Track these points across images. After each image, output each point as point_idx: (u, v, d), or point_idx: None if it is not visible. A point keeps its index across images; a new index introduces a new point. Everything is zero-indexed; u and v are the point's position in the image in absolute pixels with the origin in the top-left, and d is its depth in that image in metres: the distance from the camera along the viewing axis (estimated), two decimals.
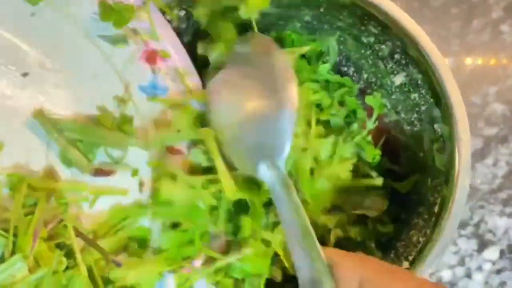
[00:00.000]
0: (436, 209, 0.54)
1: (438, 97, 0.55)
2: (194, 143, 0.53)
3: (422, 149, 0.59)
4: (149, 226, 0.51)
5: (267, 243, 0.53)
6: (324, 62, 0.63)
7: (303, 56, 0.61)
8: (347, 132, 0.60)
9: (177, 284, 0.50)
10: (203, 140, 0.52)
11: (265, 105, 0.49)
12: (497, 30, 0.79)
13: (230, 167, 0.51)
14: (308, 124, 0.58)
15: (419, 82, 0.57)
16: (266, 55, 0.50)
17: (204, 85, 0.54)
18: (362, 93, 0.63)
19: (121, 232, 0.50)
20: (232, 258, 0.51)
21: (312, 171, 0.57)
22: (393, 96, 0.60)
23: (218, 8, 0.54)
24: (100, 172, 0.51)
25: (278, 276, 0.55)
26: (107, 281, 0.48)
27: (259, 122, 0.49)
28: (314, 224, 0.56)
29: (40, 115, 0.50)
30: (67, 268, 0.47)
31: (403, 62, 0.57)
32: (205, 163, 0.53)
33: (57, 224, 0.48)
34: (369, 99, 0.62)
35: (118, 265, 0.48)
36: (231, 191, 0.49)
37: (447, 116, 0.54)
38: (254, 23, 0.53)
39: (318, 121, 0.59)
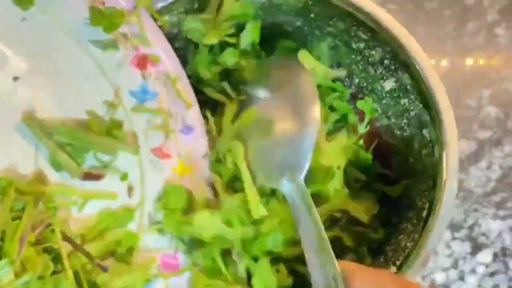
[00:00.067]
0: (424, 214, 0.55)
1: (427, 102, 0.55)
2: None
3: (412, 154, 0.59)
4: (136, 230, 0.51)
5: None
6: None
7: None
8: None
9: None
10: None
11: (289, 125, 0.53)
12: (491, 33, 0.79)
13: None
14: None
15: (408, 87, 0.57)
16: (292, 76, 0.55)
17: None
18: (354, 97, 0.63)
19: (109, 237, 0.50)
20: None
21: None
22: (384, 101, 0.61)
23: None
24: (89, 176, 0.52)
25: None
26: (94, 285, 0.48)
27: (284, 141, 0.53)
28: None
29: (29, 119, 0.50)
30: (54, 272, 0.47)
31: (393, 67, 0.57)
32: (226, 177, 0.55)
33: (44, 229, 0.48)
34: (360, 104, 0.63)
35: (105, 269, 0.48)
36: (257, 210, 0.52)
37: (436, 122, 0.55)
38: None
39: None
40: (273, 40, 0.62)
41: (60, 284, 0.47)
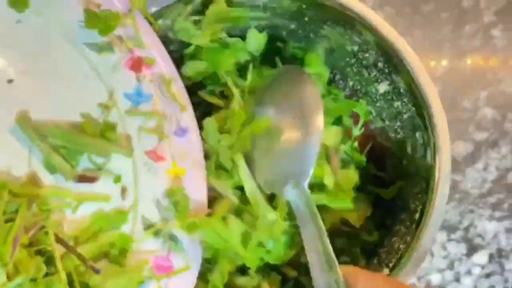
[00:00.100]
0: (416, 216, 0.55)
1: (419, 105, 0.55)
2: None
3: (405, 156, 0.59)
4: (129, 233, 0.52)
5: None
6: None
7: None
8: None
9: None
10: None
11: (294, 134, 0.55)
12: (488, 35, 0.79)
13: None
14: None
15: (401, 90, 0.57)
16: (297, 86, 0.56)
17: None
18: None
19: (102, 239, 0.51)
20: None
21: None
22: (378, 104, 0.61)
23: None
24: (83, 178, 0.52)
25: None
26: (86, 287, 0.49)
27: (289, 149, 0.55)
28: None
29: (23, 121, 0.51)
30: (47, 274, 0.47)
31: (386, 70, 0.58)
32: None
33: (38, 231, 0.48)
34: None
35: (97, 271, 0.48)
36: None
37: (428, 125, 0.55)
38: None
39: None
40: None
41: (53, 286, 0.47)
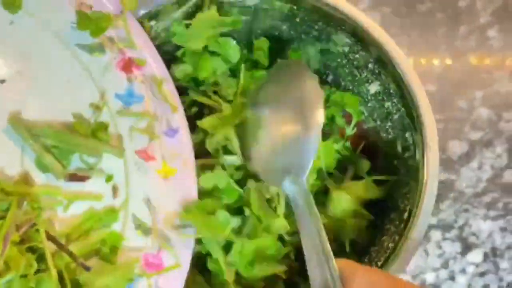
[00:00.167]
0: (405, 216, 0.55)
1: (408, 106, 0.56)
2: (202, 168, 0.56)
3: (396, 156, 0.60)
4: (120, 231, 0.52)
5: None
6: None
7: None
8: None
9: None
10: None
11: (294, 128, 0.55)
12: (484, 35, 0.80)
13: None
14: None
15: (391, 91, 0.58)
16: (298, 81, 0.56)
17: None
18: None
19: (93, 236, 0.51)
20: None
21: None
22: (369, 104, 0.62)
23: None
24: (74, 177, 0.53)
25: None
26: (77, 284, 0.49)
27: (288, 143, 0.55)
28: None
29: (16, 121, 0.51)
30: (38, 271, 0.48)
31: (376, 71, 0.58)
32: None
33: (29, 228, 0.49)
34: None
35: (87, 269, 0.49)
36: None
37: (416, 125, 0.55)
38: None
39: None
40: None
41: (44, 282, 0.48)
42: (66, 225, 0.52)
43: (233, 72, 0.60)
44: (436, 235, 0.75)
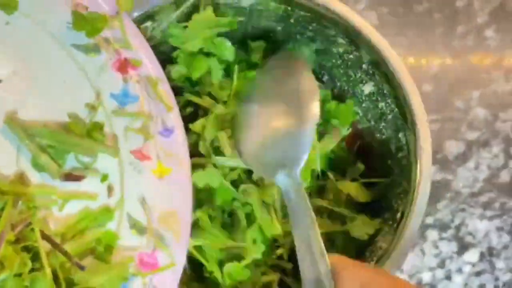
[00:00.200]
0: (398, 216, 0.56)
1: (402, 106, 0.56)
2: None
3: (390, 156, 0.60)
4: (115, 230, 0.53)
5: None
6: None
7: None
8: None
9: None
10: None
11: (289, 121, 0.54)
12: (481, 35, 0.80)
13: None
14: None
15: (385, 91, 0.58)
16: (294, 73, 0.56)
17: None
18: (336, 100, 0.64)
19: (88, 236, 0.52)
20: None
21: None
22: (364, 104, 0.62)
23: None
24: (70, 177, 0.53)
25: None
26: (72, 283, 0.50)
27: (283, 135, 0.54)
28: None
29: (12, 121, 0.52)
30: (33, 270, 0.49)
31: (370, 72, 0.59)
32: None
33: (24, 228, 0.49)
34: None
35: (82, 268, 0.50)
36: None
37: (410, 126, 0.56)
38: None
39: None
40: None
41: (38, 281, 0.48)
42: (61, 224, 0.52)
43: (228, 73, 0.60)
44: (432, 234, 0.76)
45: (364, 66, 0.59)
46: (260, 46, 0.61)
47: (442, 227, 0.75)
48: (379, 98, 0.59)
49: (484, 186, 0.76)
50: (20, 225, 0.49)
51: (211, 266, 0.57)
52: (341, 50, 0.60)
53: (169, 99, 0.56)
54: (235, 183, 0.58)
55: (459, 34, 0.80)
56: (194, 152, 0.57)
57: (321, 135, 0.63)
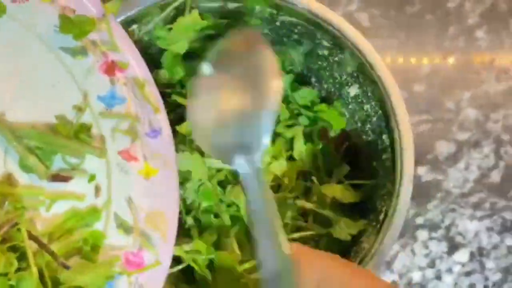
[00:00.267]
0: (381, 217, 0.56)
1: (385, 108, 0.57)
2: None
3: (375, 158, 0.61)
4: (102, 230, 0.54)
5: None
6: (288, 73, 0.65)
7: None
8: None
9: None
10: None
11: (247, 101, 0.49)
12: (472, 36, 0.80)
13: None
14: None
15: (369, 94, 0.59)
16: (252, 50, 0.51)
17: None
18: (324, 102, 0.65)
19: (75, 235, 0.53)
20: None
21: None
22: (350, 106, 0.63)
23: None
24: (57, 177, 0.54)
25: None
26: (57, 283, 0.51)
27: (240, 117, 0.49)
28: None
29: (0, 123, 0.53)
30: (19, 269, 0.50)
31: (355, 74, 0.59)
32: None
33: (11, 228, 0.50)
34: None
35: (67, 267, 0.51)
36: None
37: (393, 127, 0.56)
38: None
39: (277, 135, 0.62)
40: None
41: (24, 281, 0.49)
42: (48, 224, 0.53)
43: None
44: (422, 234, 0.76)
45: (348, 68, 0.60)
46: None
47: (433, 227, 0.76)
48: (364, 100, 0.60)
49: (474, 186, 0.77)
50: (6, 225, 0.50)
51: (201, 270, 0.58)
52: (326, 52, 0.61)
53: (156, 101, 0.56)
54: (222, 184, 0.59)
55: (451, 35, 0.80)
56: None
57: (308, 136, 0.63)
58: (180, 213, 0.57)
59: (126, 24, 0.57)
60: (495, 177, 0.77)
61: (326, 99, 0.65)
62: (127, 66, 0.55)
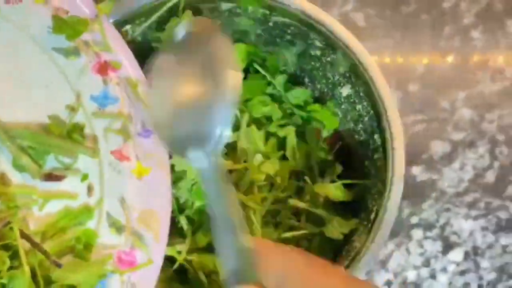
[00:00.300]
0: (372, 216, 0.57)
1: (376, 109, 0.57)
2: None
3: (367, 158, 0.61)
4: (95, 229, 0.54)
5: None
6: (281, 73, 0.65)
7: (256, 71, 0.64)
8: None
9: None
10: None
11: (201, 90, 0.47)
12: (468, 36, 0.81)
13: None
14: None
15: (361, 94, 0.59)
16: (206, 39, 0.49)
17: None
18: (317, 101, 0.65)
19: (68, 234, 0.53)
20: None
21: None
22: (343, 106, 0.63)
23: None
24: (50, 177, 0.54)
25: None
26: (50, 281, 0.51)
27: (195, 108, 0.47)
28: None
29: None
30: (11, 268, 0.50)
31: (347, 75, 0.60)
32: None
33: (4, 227, 0.51)
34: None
35: (59, 266, 0.51)
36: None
37: (384, 127, 0.57)
38: None
39: (270, 134, 0.62)
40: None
41: (16, 279, 0.50)
42: (41, 223, 0.54)
43: None
44: (417, 233, 0.76)
45: (341, 69, 0.60)
46: (241, 48, 0.62)
47: (427, 226, 0.76)
48: (356, 101, 0.60)
49: (469, 186, 0.77)
50: None
51: (194, 270, 0.58)
52: (318, 53, 0.61)
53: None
54: None
55: (446, 35, 0.81)
56: None
57: (301, 136, 0.63)
58: (173, 212, 0.57)
59: (120, 25, 0.57)
60: (490, 177, 0.77)
61: (319, 99, 0.65)
62: (120, 66, 0.56)
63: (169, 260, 0.58)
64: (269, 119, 0.62)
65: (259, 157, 0.60)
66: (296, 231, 0.61)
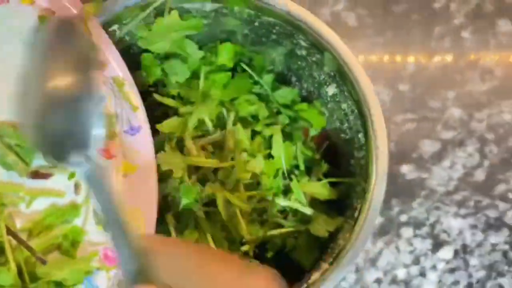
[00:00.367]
0: (356, 214, 0.57)
1: (360, 108, 0.58)
2: None
3: (352, 156, 0.62)
4: (81, 226, 0.55)
5: None
6: (268, 72, 0.66)
7: (243, 70, 0.64)
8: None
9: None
10: None
11: (66, 90, 0.47)
12: (458, 36, 0.81)
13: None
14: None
15: (346, 93, 0.60)
16: (69, 38, 0.49)
17: None
18: (304, 101, 0.66)
19: (55, 231, 0.54)
20: None
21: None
22: (329, 105, 0.64)
23: None
24: (37, 175, 0.55)
25: None
26: (36, 277, 0.52)
27: (65, 109, 0.47)
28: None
29: None
30: None
31: (332, 74, 0.60)
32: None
33: None
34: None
35: (44, 262, 0.52)
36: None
37: (367, 126, 0.57)
38: None
39: (257, 133, 0.62)
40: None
41: (3, 275, 0.51)
42: (28, 220, 0.54)
43: (197, 75, 0.62)
44: (407, 232, 0.77)
45: (326, 68, 0.60)
46: (228, 48, 0.63)
47: (417, 224, 0.76)
48: (341, 100, 0.61)
49: (458, 184, 0.77)
50: None
51: None
52: (304, 53, 0.61)
53: (135, 99, 0.58)
54: (201, 182, 0.60)
55: (436, 35, 0.81)
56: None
57: (288, 134, 0.64)
58: (159, 210, 0.58)
59: (107, 24, 0.58)
60: (479, 175, 0.78)
61: (307, 98, 0.66)
62: (106, 65, 0.56)
63: None
64: (255, 118, 0.63)
65: (245, 156, 0.60)
66: (282, 229, 0.61)
